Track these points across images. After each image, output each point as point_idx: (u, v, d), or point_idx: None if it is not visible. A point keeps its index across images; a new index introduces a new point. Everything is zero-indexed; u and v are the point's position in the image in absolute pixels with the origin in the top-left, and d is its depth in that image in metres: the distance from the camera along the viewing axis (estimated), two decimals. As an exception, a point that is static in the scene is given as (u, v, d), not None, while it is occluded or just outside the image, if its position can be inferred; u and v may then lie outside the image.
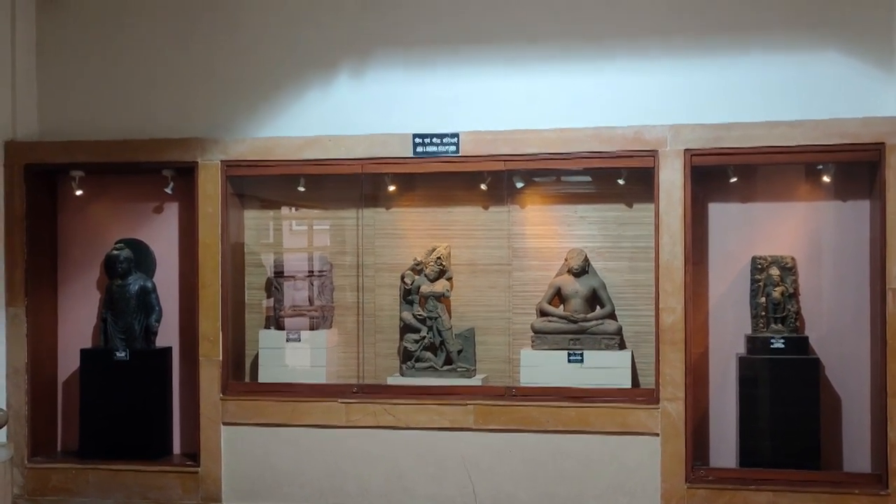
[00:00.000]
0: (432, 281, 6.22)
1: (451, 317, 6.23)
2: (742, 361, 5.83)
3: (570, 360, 5.91)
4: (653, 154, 5.64)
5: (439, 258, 6.22)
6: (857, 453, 5.87)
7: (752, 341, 5.83)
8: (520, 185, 6.12)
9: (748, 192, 6.00)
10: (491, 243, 6.22)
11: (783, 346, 5.76)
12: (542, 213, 6.30)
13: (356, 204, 6.37)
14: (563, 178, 6.27)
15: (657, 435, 5.56)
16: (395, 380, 6.18)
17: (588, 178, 6.25)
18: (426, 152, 5.96)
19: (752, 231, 5.96)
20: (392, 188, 6.30)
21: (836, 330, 5.90)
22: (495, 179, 6.06)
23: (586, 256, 6.04)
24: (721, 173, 5.86)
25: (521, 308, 6.15)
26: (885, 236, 5.45)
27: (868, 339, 5.81)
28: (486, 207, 6.29)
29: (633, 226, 6.03)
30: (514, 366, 6.06)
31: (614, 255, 6.14)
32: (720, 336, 5.99)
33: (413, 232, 6.39)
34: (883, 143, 5.46)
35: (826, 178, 5.85)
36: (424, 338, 6.21)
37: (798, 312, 5.87)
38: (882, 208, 5.49)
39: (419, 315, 6.22)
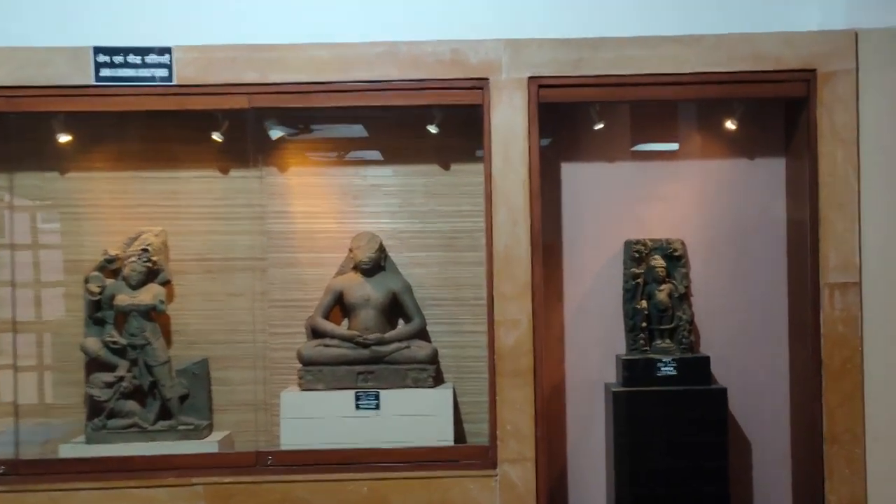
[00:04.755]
0: (135, 287, 4.19)
1: (169, 344, 4.31)
2: (616, 398, 4.10)
3: (359, 406, 4.17)
4: (481, 85, 3.91)
5: (146, 250, 4.20)
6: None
7: (628, 366, 4.13)
8: (276, 134, 4.34)
9: (619, 144, 4.39)
10: (234, 226, 4.37)
11: (674, 371, 4.10)
12: (313, 179, 4.45)
13: (4, 165, 4.23)
14: (343, 125, 4.49)
15: (495, 517, 3.90)
16: (75, 450, 4.14)
17: (382, 125, 4.48)
18: (116, 78, 3.86)
19: (624, 203, 4.38)
20: (66, 138, 4.19)
21: (742, 346, 4.35)
22: (237, 125, 4.17)
23: (381, 245, 4.33)
24: (581, 116, 4.26)
25: (283, 325, 4.39)
26: (817, 209, 3.87)
27: (786, 357, 4.29)
28: (223, 170, 4.39)
29: (452, 197, 4.39)
30: (271, 416, 4.30)
31: (422, 241, 4.43)
32: (582, 360, 4.38)
33: (104, 210, 4.35)
34: (813, 71, 3.87)
35: (729, 124, 4.23)
36: (123, 378, 4.15)
37: (692, 322, 4.24)
38: (812, 167, 3.90)
39: (114, 342, 4.17)
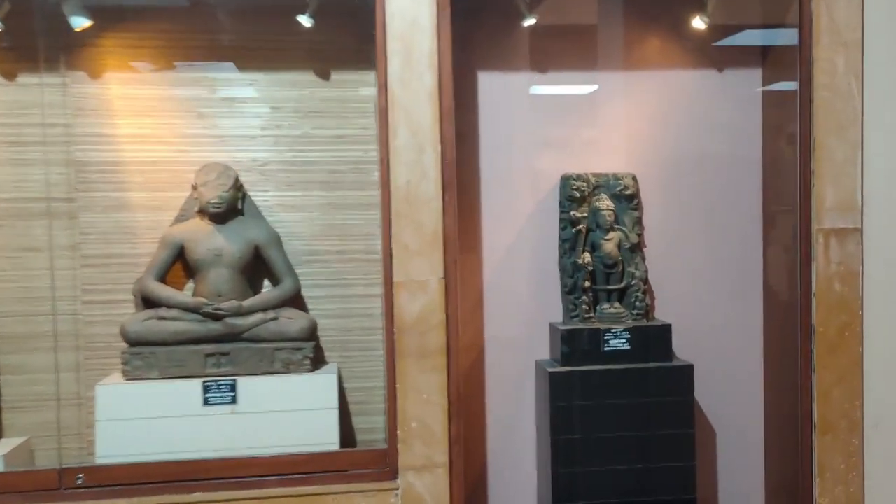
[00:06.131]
0: None
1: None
2: (553, 380, 3.25)
3: (207, 400, 3.30)
4: (372, -39, 3.02)
5: None
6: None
7: (568, 339, 3.27)
8: (80, 22, 3.27)
9: (556, 48, 3.49)
10: (25, 154, 3.35)
11: (626, 344, 3.26)
12: (140, 89, 3.40)
13: None
14: (181, 13, 3.43)
15: (396, 546, 3.12)
16: None
17: (236, 14, 3.47)
18: None
19: (561, 127, 3.52)
20: None
21: (708, 309, 3.57)
22: (23, 9, 3.19)
23: (237, 180, 3.38)
24: (507, 8, 3.39)
25: (101, 291, 3.44)
26: (809, 133, 3.10)
27: (760, 324, 3.54)
28: (8, 75, 3.30)
29: (335, 117, 3.50)
30: (84, 417, 3.39)
31: (294, 176, 3.50)
32: (507, 333, 3.54)
33: None
34: (810, -48, 3.15)
35: (697, 22, 3.41)
36: None
37: (646, 280, 3.43)
38: (804, 79, 3.11)
39: None
